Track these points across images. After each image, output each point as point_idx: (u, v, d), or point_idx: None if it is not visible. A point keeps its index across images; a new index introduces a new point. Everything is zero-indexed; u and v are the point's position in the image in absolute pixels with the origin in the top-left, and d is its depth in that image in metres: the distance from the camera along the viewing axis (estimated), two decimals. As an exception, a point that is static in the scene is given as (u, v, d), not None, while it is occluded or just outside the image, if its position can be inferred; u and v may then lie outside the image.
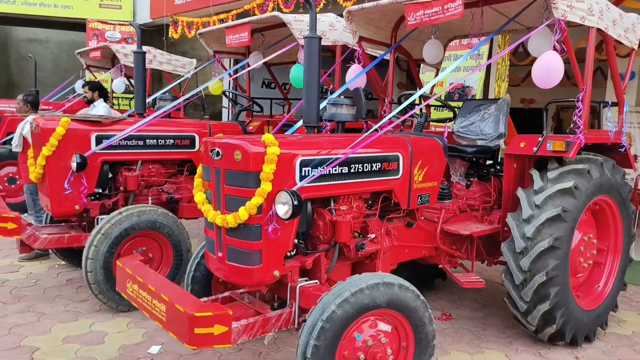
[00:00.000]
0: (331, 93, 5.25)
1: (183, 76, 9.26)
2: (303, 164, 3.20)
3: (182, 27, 10.70)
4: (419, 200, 3.90)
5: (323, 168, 3.24)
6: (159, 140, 5.21)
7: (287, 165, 3.13)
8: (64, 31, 17.24)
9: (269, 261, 3.13)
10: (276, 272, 3.17)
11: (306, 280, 3.36)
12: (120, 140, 4.92)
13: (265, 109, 6.84)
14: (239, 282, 3.29)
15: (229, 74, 6.20)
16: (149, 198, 5.23)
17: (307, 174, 3.22)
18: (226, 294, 3.61)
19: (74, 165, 4.65)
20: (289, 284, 3.29)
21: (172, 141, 5.29)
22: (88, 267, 4.36)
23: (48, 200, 4.77)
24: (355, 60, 5.08)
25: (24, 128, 5.97)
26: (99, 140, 4.86)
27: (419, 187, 3.87)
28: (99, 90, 7.13)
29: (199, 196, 3.39)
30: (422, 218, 4.16)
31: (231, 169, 3.12)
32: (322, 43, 5.54)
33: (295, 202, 2.95)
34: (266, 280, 3.17)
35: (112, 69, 9.71)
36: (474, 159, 4.73)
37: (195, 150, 5.43)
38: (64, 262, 5.83)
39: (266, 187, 3.03)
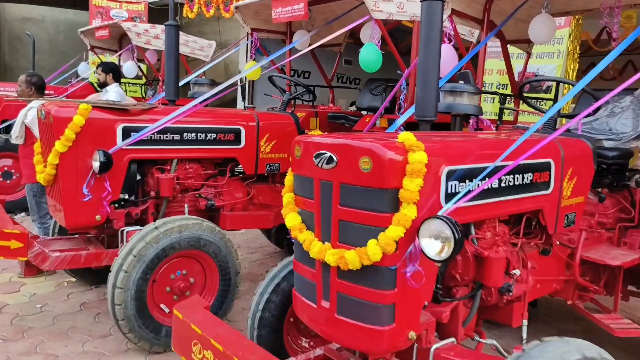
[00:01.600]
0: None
1: (204, 60, 8.24)
2: (450, 175, 2.21)
3: (199, 5, 9.59)
4: (566, 221, 3.00)
5: (482, 182, 2.25)
6: (199, 135, 4.19)
7: (433, 179, 2.14)
8: (62, 9, 16.02)
9: (404, 319, 2.14)
10: (412, 334, 2.18)
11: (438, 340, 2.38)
12: (153, 134, 3.89)
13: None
14: (358, 348, 2.30)
15: (271, 60, 5.16)
16: (185, 205, 4.21)
17: (453, 191, 2.23)
18: (319, 351, 2.63)
19: (96, 165, 3.63)
20: (415, 346, 2.32)
21: (214, 135, 4.26)
22: (116, 299, 3.35)
23: (61, 209, 3.74)
24: (446, 39, 4.07)
25: (27, 115, 4.92)
26: (126, 134, 3.83)
27: (566, 205, 2.96)
28: (113, 73, 6.08)
29: (293, 219, 2.40)
30: (558, 243, 3.19)
31: (352, 184, 2.12)
32: (397, 18, 4.59)
33: (458, 235, 1.96)
34: (398, 346, 2.19)
35: (121, 50, 8.63)
36: (611, 165, 3.75)
37: (241, 146, 4.41)
38: (74, 279, 4.80)
39: (410, 212, 2.03)
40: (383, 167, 2.04)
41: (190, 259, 3.69)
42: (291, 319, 2.95)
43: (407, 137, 2.10)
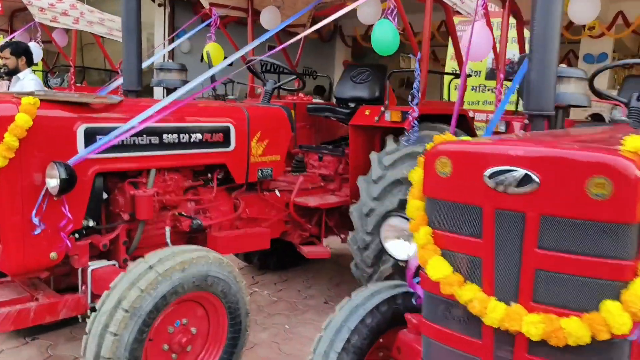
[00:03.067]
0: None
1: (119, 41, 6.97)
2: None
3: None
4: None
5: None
6: (182, 136, 3.21)
7: None
8: None
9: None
10: None
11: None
12: (125, 137, 2.87)
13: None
14: None
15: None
16: (167, 229, 3.22)
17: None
18: None
19: (52, 183, 2.57)
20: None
21: (199, 136, 3.30)
22: (102, 375, 2.36)
23: (-2, 247, 2.63)
24: (478, 16, 3.47)
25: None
26: (89, 138, 2.78)
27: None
28: (26, 56, 4.79)
29: (440, 267, 1.62)
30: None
31: (566, 216, 1.41)
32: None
33: None
34: None
35: (18, 30, 7.08)
36: None
37: (230, 149, 3.49)
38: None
39: (666, 256, 1.37)
40: (631, 192, 1.34)
41: (192, 303, 2.77)
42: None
43: (635, 142, 1.42)
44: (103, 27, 7.04)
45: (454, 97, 6.42)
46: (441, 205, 1.65)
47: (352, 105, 4.96)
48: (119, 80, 3.75)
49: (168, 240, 3.20)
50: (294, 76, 4.06)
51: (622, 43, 10.29)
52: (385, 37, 3.57)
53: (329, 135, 5.09)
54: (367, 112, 4.14)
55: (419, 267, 1.76)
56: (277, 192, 4.02)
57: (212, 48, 4.71)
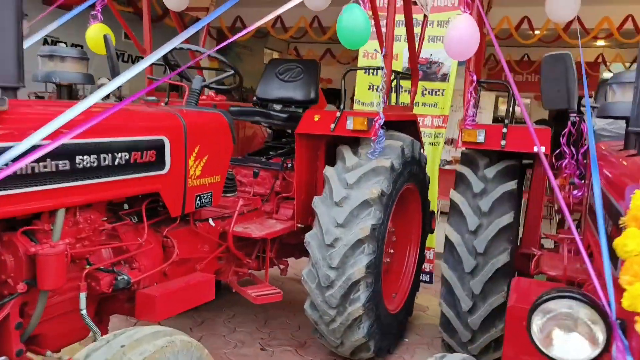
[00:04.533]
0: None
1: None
2: None
3: None
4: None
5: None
6: (103, 157, 2.16)
7: None
8: None
9: None
10: None
11: None
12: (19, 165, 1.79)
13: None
14: None
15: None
16: (81, 295, 2.15)
17: None
18: None
19: None
20: None
21: (126, 156, 2.27)
22: None
23: None
24: (463, 7, 2.95)
25: None
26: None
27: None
28: None
29: None
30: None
31: None
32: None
33: None
34: None
35: None
36: None
37: (165, 171, 2.50)
38: None
39: None
40: None
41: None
42: None
43: None
44: None
45: (370, 98, 5.94)
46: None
47: (277, 107, 4.18)
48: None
49: (83, 310, 2.15)
50: (231, 71, 3.15)
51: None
52: (355, 25, 2.86)
53: (253, 145, 4.24)
54: (316, 118, 3.41)
55: None
56: (211, 221, 3.11)
57: (98, 31, 3.58)
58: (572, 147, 2.70)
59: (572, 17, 3.54)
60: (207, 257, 3.05)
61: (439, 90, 5.55)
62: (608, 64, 13.29)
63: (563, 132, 2.61)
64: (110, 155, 2.19)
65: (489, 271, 3.09)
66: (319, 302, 3.17)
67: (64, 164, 2.00)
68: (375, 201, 3.12)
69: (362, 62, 5.86)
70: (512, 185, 3.21)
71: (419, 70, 5.82)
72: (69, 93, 2.57)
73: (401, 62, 5.79)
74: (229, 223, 3.21)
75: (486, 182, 3.27)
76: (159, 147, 2.45)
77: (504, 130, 3.24)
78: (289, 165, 3.72)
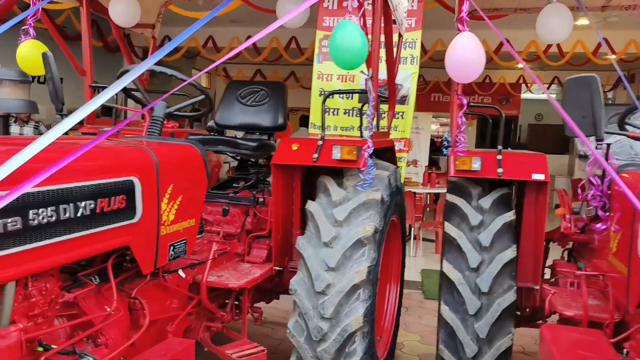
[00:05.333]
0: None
1: None
2: None
3: None
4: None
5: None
6: (63, 209, 1.66)
7: None
8: None
9: None
10: None
11: None
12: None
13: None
14: None
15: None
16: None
17: None
18: None
19: None
20: None
21: (91, 205, 1.78)
22: None
23: None
24: (462, 25, 2.71)
25: None
26: None
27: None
28: None
29: None
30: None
31: None
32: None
33: None
34: None
35: None
36: None
37: (135, 219, 2.01)
38: None
39: None
40: None
41: None
42: None
43: None
44: None
45: (328, 121, 5.62)
46: None
47: (238, 134, 3.76)
48: None
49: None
50: (202, 96, 2.70)
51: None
52: (351, 44, 2.52)
53: (212, 177, 3.77)
54: (294, 147, 3.03)
55: None
56: (180, 272, 2.62)
57: (31, 48, 3.00)
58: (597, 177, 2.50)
59: (564, 39, 3.40)
60: (179, 315, 2.56)
61: (398, 112, 5.33)
62: (529, 84, 13.95)
63: (589, 161, 2.41)
64: (72, 205, 1.69)
65: (495, 312, 2.81)
66: (308, 358, 2.76)
67: (13, 223, 1.49)
68: (370, 239, 2.77)
69: (317, 83, 5.56)
70: (510, 216, 2.98)
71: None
72: (4, 124, 2.01)
73: (357, 83, 5.56)
74: (199, 271, 2.74)
75: (482, 213, 3.02)
76: (128, 191, 1.97)
77: (499, 157, 3.01)
78: (260, 199, 3.31)
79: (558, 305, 2.65)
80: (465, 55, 2.68)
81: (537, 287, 3.05)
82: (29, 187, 1.34)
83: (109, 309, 1.94)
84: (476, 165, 2.99)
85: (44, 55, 2.40)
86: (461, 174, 3.04)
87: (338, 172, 3.07)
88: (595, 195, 2.45)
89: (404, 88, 5.42)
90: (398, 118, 5.40)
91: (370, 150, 2.87)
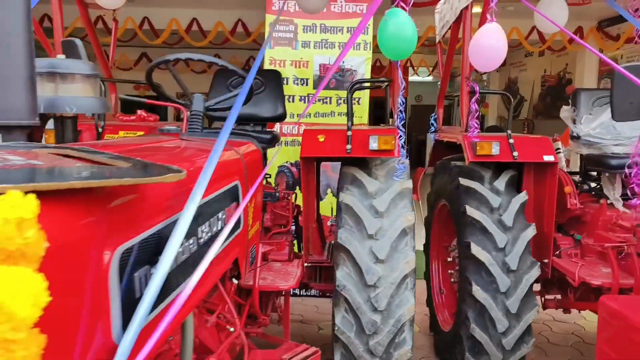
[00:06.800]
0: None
1: None
2: None
3: None
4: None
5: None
6: (209, 224, 1.46)
7: None
8: None
9: None
10: None
11: None
12: None
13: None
14: None
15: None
16: None
17: None
18: None
19: None
20: None
21: (223, 216, 1.57)
22: None
23: None
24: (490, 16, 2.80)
25: None
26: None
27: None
28: None
29: None
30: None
31: None
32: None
33: None
34: None
35: None
36: None
37: (240, 228, 1.82)
38: None
39: None
40: None
41: None
42: None
43: None
44: None
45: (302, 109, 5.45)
46: None
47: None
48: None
49: None
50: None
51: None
52: (403, 33, 2.49)
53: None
54: (321, 139, 2.93)
55: None
56: (233, 279, 2.44)
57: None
58: None
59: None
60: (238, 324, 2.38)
61: (354, 98, 5.36)
62: (416, 67, 14.75)
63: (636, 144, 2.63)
64: (215, 217, 1.50)
65: (525, 287, 3.00)
66: (360, 353, 2.72)
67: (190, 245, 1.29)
68: (411, 228, 2.81)
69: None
70: (523, 196, 3.17)
71: (332, 79, 5.62)
72: (73, 127, 1.66)
73: (312, 69, 5.48)
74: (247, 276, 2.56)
75: (499, 195, 3.17)
76: (237, 196, 1.78)
77: (511, 141, 3.18)
78: (277, 194, 3.16)
79: (585, 276, 2.89)
80: (492, 43, 2.78)
81: (547, 261, 3.29)
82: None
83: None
84: (495, 149, 3.12)
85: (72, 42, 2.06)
86: (481, 159, 3.16)
87: (359, 163, 3.04)
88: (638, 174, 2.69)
89: (359, 74, 5.46)
90: (354, 104, 5.44)
91: (403, 139, 2.88)
